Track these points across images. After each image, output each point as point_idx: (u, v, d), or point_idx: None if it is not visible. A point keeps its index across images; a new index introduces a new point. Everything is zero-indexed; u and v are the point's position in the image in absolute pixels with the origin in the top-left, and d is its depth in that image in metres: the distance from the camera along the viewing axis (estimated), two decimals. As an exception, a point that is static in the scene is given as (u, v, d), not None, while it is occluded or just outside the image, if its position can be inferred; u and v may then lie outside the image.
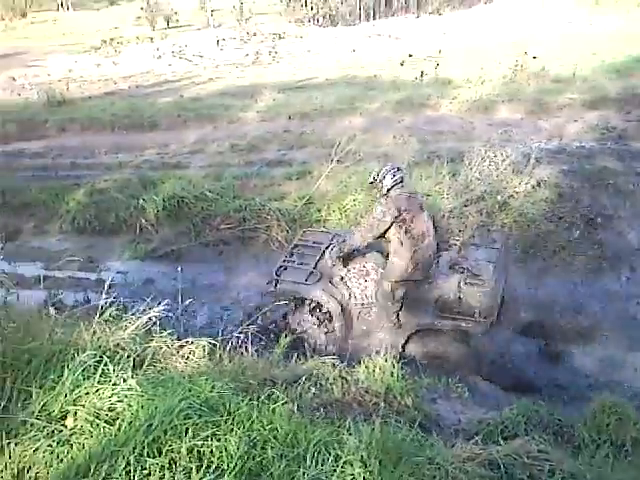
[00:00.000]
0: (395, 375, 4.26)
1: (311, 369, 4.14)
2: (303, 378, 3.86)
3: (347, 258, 5.52)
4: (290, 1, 28.72)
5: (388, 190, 5.16)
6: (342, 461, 2.51)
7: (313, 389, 3.68)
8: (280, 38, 24.15)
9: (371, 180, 5.32)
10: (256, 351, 4.17)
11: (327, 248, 5.72)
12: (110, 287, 7.21)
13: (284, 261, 5.79)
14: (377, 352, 5.02)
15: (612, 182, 8.40)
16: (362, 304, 5.57)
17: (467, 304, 5.15)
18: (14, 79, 19.26)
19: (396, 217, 5.08)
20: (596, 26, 19.09)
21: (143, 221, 8.70)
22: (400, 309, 5.40)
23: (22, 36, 30.02)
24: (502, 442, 3.15)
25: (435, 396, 4.38)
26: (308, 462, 2.52)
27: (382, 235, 5.23)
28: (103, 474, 2.32)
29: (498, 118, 11.40)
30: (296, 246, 6.05)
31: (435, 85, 13.41)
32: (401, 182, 5.19)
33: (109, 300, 3.65)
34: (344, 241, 5.44)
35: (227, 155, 10.77)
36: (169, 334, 3.68)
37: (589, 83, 12.44)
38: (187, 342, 3.65)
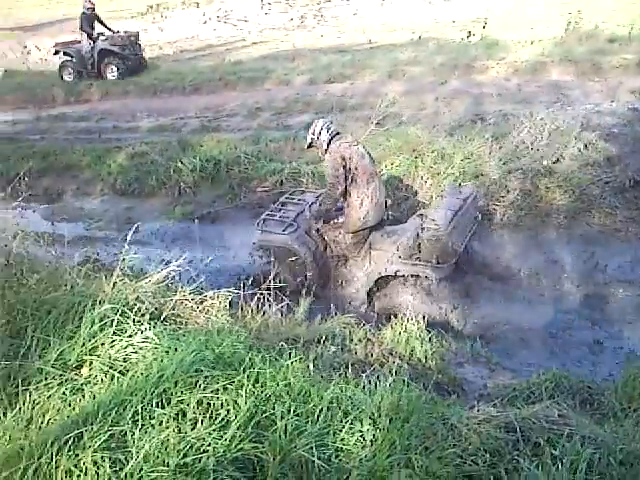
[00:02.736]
0: (421, 338, 4.19)
1: (334, 329, 4.09)
2: (325, 337, 3.82)
3: (327, 216, 5.83)
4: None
5: (328, 144, 5.39)
6: (351, 417, 2.46)
7: (334, 348, 3.63)
8: (326, 1, 23.73)
9: (309, 142, 5.58)
10: (278, 310, 4.13)
11: (310, 205, 6.05)
12: (146, 245, 7.52)
13: (267, 215, 6.11)
14: (352, 301, 5.70)
15: (665, 146, 7.95)
16: (337, 256, 5.87)
17: (425, 249, 5.25)
18: (62, 45, 19.52)
19: (343, 166, 5.31)
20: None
21: (181, 184, 8.76)
22: (370, 257, 5.68)
23: (72, 3, 30.31)
24: (524, 406, 3.04)
25: (462, 360, 4.29)
26: (317, 418, 2.48)
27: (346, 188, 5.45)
28: (109, 422, 2.34)
29: (547, 80, 10.93)
30: (282, 203, 6.38)
31: (482, 47, 12.94)
32: (337, 134, 5.44)
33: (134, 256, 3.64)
34: (320, 204, 5.72)
35: (266, 118, 10.72)
36: (192, 289, 3.68)
37: (646, 43, 11.76)
38: (207, 296, 3.65)
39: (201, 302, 3.60)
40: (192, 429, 2.35)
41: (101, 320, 2.94)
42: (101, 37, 14.57)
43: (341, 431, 2.42)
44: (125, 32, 14.99)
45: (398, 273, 5.54)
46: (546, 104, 8.70)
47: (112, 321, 2.94)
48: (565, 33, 12.54)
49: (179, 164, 8.90)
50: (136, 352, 2.80)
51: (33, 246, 4.06)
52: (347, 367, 3.49)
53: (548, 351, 5.42)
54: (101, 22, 14.83)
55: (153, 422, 2.38)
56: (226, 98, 12.10)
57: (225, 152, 9.01)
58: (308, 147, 5.72)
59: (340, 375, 3.23)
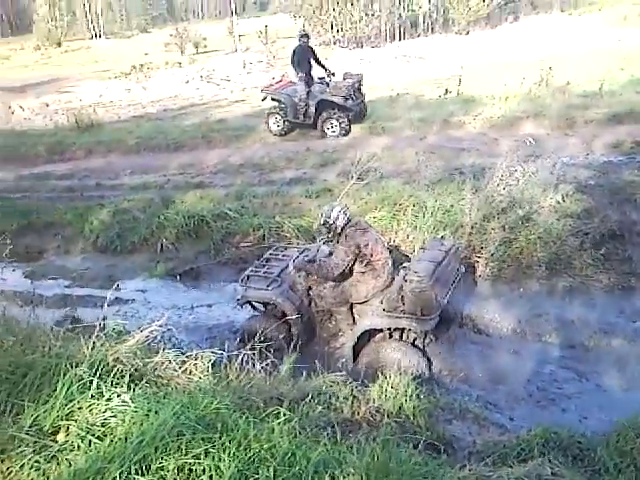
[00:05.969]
0: (409, 394, 4.11)
1: (321, 387, 4.01)
2: (311, 396, 3.74)
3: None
4: (316, 24, 29.04)
5: (342, 229, 5.50)
6: (339, 481, 2.37)
7: (320, 407, 3.54)
8: (306, 61, 24.33)
9: (323, 221, 5.65)
10: (263, 369, 4.05)
11: (294, 260, 6.05)
12: (127, 303, 7.42)
13: (251, 271, 6.13)
14: (338, 356, 5.62)
15: (641, 196, 8.11)
16: (322, 311, 5.87)
17: (409, 302, 5.21)
18: (47, 105, 19.79)
19: (357, 254, 5.43)
20: (624, 42, 18.79)
21: (164, 240, 8.72)
22: (354, 311, 5.77)
23: (57, 64, 30.90)
24: (515, 463, 2.97)
25: (451, 417, 4.21)
26: (303, 482, 2.39)
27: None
28: (86, 492, 2.23)
29: (523, 134, 11.19)
30: (266, 259, 6.42)
31: (458, 103, 13.30)
32: (349, 222, 5.55)
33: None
34: (312, 265, 5.73)
35: (249, 175, 10.80)
36: (173, 349, 3.59)
37: (616, 98, 12.18)
38: (190, 356, 3.56)
39: (183, 362, 3.51)
40: (174, 497, 2.24)
41: (78, 382, 2.84)
42: (317, 81, 12.29)
43: (329, 496, 2.33)
44: (347, 75, 12.38)
45: (383, 327, 5.50)
46: (522, 157, 8.87)
47: (90, 384, 2.85)
48: (538, 89, 12.95)
49: (161, 220, 8.88)
50: (115, 416, 2.69)
51: (11, 306, 3.98)
52: (334, 426, 3.41)
53: (536, 405, 5.36)
54: (317, 59, 12.52)
55: (132, 491, 2.28)
56: (209, 155, 12.21)
57: (208, 208, 9.03)
58: (323, 224, 5.75)
59: (327, 435, 3.15)
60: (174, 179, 11.13)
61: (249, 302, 6.17)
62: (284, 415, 2.99)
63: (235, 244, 8.44)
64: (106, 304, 3.55)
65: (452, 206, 8.00)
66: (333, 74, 12.38)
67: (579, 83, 13.20)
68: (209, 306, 7.26)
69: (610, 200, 8.21)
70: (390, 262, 5.69)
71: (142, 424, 2.59)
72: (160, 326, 3.56)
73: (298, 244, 7.85)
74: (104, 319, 3.61)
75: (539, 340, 6.33)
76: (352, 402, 3.94)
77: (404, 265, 5.59)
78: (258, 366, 4.02)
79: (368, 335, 5.64)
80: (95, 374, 2.91)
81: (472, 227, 7.59)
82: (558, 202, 7.97)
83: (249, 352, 4.13)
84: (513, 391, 5.52)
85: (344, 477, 2.39)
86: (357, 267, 5.55)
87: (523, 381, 5.66)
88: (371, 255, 5.50)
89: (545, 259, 7.23)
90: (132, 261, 8.67)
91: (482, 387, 5.55)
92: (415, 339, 5.64)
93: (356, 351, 5.63)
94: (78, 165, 12.54)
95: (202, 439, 2.54)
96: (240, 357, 4.04)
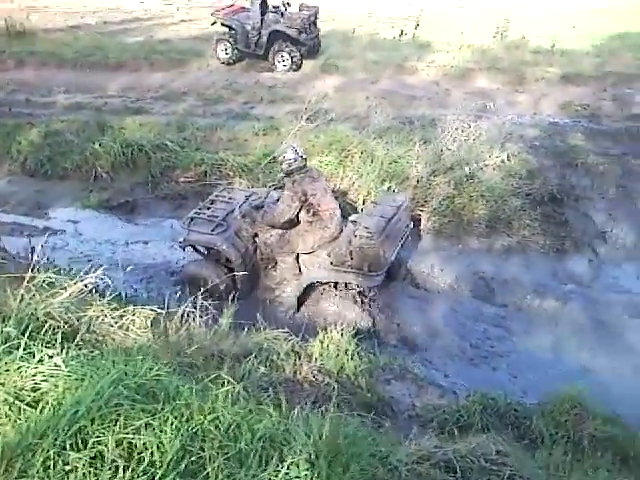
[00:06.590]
0: (349, 353, 4.09)
1: (262, 343, 3.92)
2: (253, 353, 3.64)
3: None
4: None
5: (287, 174, 5.39)
6: (288, 462, 2.28)
7: (262, 368, 3.45)
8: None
9: (276, 156, 5.66)
10: (203, 322, 3.88)
11: (240, 205, 5.90)
12: (57, 234, 7.01)
13: (195, 213, 5.90)
14: (281, 305, 5.64)
15: (582, 161, 8.28)
16: (267, 258, 5.74)
17: (357, 257, 5.20)
18: (-28, 5, 18.00)
19: (304, 202, 5.31)
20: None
21: (98, 168, 8.24)
22: (300, 262, 5.68)
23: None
24: (456, 431, 2.99)
25: (390, 377, 4.23)
26: (250, 461, 2.29)
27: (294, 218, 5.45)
28: (16, 473, 2.03)
29: (474, 87, 11.16)
30: (211, 201, 6.16)
31: (413, 47, 13.01)
32: (302, 167, 5.38)
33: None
34: (259, 212, 5.66)
35: (192, 104, 10.30)
36: (109, 301, 3.36)
37: (568, 57, 12.23)
38: (127, 311, 3.35)
39: (120, 317, 3.30)
40: (112, 477, 2.09)
41: (5, 342, 2.60)
42: (271, 10, 11.68)
43: (276, 477, 2.25)
44: (303, 7, 11.83)
45: (329, 280, 5.45)
46: (472, 111, 8.81)
47: (18, 343, 2.61)
48: (493, 41, 12.83)
49: (96, 146, 8.36)
50: (47, 380, 2.49)
51: None
52: (276, 388, 3.34)
53: (469, 362, 5.49)
54: None
55: (67, 468, 2.10)
56: (151, 78, 11.52)
57: (147, 137, 8.54)
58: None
59: (269, 397, 3.07)
60: (112, 102, 10.47)
61: (192, 245, 5.92)
62: (228, 382, 2.86)
63: (175, 178, 8.09)
64: (38, 248, 3.24)
65: (400, 157, 7.90)
66: (289, 4, 11.82)
67: (532, 38, 13.12)
68: (145, 243, 6.98)
69: (553, 163, 8.35)
70: (338, 214, 5.59)
71: (77, 390, 2.40)
72: (96, 277, 3.29)
73: (241, 183, 7.61)
74: (34, 265, 3.31)
75: (474, 297, 6.45)
76: (294, 360, 3.88)
77: (354, 219, 5.47)
78: (198, 320, 3.85)
79: (312, 286, 5.58)
80: (24, 332, 2.67)
81: (418, 180, 7.55)
82: (503, 161, 8.03)
83: (189, 304, 3.94)
84: (447, 347, 5.63)
85: (292, 456, 2.31)
86: (304, 216, 5.42)
87: (457, 338, 5.77)
88: (318, 205, 5.38)
89: (486, 217, 7.31)
90: (63, 188, 8.17)
91: (418, 343, 5.63)
92: (360, 292, 5.62)
93: (300, 301, 5.57)
94: (7, 77, 11.59)
95: (142, 410, 2.38)
96: (180, 310, 3.84)
